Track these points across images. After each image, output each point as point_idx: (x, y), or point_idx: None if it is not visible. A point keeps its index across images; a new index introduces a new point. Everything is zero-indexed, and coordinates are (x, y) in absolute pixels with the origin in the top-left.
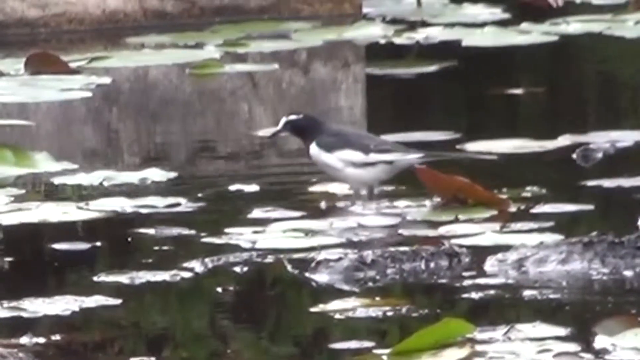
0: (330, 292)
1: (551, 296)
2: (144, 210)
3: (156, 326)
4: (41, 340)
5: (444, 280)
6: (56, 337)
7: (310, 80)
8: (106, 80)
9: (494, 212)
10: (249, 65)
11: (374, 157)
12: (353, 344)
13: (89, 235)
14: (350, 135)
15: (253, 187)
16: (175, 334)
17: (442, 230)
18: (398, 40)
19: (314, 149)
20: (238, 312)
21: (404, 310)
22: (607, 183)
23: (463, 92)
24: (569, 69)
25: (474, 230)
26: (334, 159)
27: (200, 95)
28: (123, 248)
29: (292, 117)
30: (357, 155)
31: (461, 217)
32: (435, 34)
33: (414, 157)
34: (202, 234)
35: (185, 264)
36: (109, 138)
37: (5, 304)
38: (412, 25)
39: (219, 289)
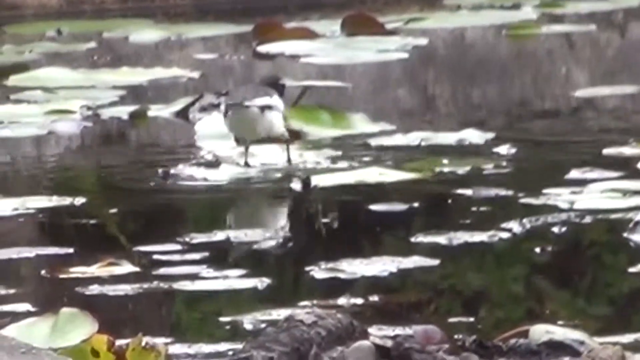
0: None
1: None
2: (461, 171)
3: (473, 286)
4: (359, 301)
5: None
6: (373, 298)
7: (628, 41)
8: (423, 41)
9: None
10: (565, 26)
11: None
12: None
13: (406, 196)
14: None
15: (572, 147)
16: (492, 294)
17: None
18: None
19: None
20: (555, 273)
21: None
22: None
23: None
24: None
25: None
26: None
27: (517, 56)
28: (440, 209)
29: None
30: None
31: None
32: None
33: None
34: (520, 195)
35: (503, 225)
36: (426, 99)
37: (323, 265)
38: None
39: (537, 250)
